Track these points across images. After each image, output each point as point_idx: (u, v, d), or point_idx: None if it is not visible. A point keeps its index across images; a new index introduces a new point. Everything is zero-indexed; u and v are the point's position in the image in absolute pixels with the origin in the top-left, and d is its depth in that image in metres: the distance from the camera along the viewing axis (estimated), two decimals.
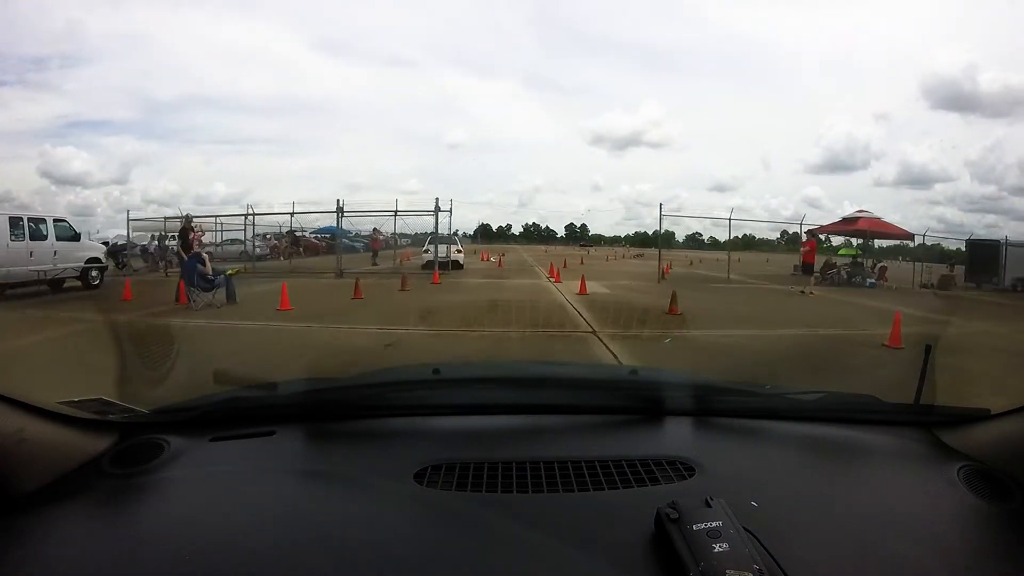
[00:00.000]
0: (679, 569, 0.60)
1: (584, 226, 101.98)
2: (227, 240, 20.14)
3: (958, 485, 0.85)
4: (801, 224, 16.98)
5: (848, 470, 0.95)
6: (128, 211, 16.45)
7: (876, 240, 18.25)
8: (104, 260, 11.99)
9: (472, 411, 1.11)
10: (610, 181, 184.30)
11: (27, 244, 10.00)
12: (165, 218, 16.96)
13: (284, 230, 20.00)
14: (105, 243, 14.37)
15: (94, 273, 11.36)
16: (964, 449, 0.95)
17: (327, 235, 20.58)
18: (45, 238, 10.40)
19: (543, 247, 58.55)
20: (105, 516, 0.77)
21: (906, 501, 0.83)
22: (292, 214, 16.93)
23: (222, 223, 18.72)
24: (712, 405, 1.13)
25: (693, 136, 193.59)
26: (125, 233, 16.77)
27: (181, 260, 9.38)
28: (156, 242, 17.69)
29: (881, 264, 16.78)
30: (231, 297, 8.51)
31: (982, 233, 18.25)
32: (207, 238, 19.85)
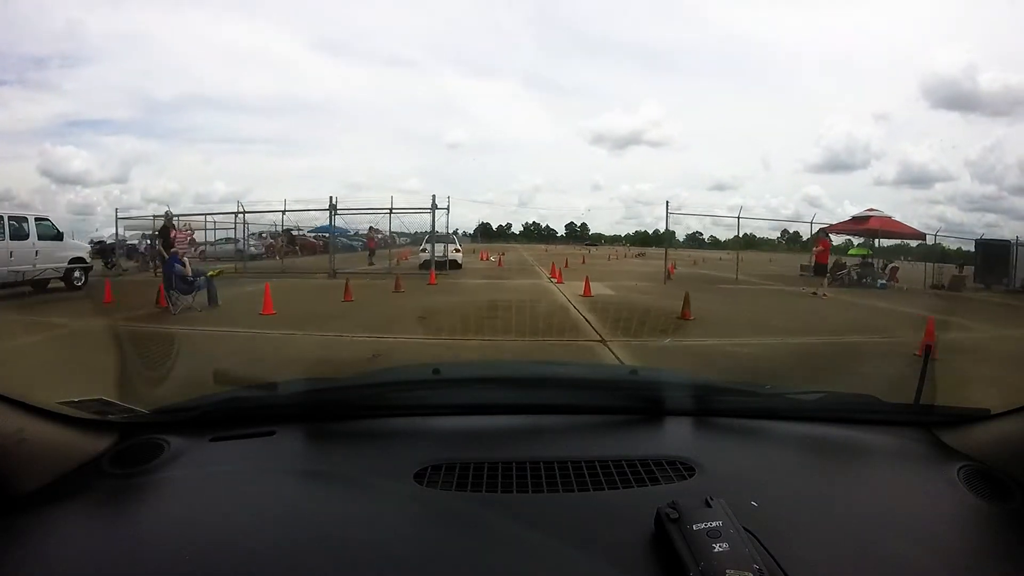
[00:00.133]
0: (679, 569, 0.60)
1: (584, 225, 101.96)
2: (221, 239, 19.51)
3: (958, 485, 0.84)
4: (812, 223, 16.48)
5: (848, 470, 0.96)
6: (116, 209, 16.06)
7: (877, 239, 17.95)
8: (88, 260, 11.72)
9: (472, 411, 1.11)
10: (610, 180, 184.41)
11: (7, 244, 9.76)
12: (154, 216, 16.43)
13: (281, 229, 19.40)
14: (100, 242, 13.87)
15: (77, 274, 11.10)
16: (964, 449, 0.95)
17: (325, 234, 19.97)
18: (26, 237, 10.12)
19: (543, 246, 57.92)
20: (105, 516, 0.77)
21: (906, 501, 0.84)
22: (283, 212, 16.50)
23: (215, 222, 18.04)
24: (712, 405, 1.13)
25: (693, 135, 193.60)
26: (129, 231, 16.16)
27: (162, 260, 8.80)
28: (148, 241, 17.12)
29: (892, 265, 16.35)
30: (212, 300, 8.19)
31: (983, 233, 18.12)
32: (199, 237, 19.32)
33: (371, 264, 17.52)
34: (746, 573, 0.57)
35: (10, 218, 9.88)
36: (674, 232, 16.77)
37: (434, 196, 14.83)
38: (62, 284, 10.60)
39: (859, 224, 17.40)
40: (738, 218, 16.99)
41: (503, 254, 26.66)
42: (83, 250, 11.65)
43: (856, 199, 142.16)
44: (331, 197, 14.97)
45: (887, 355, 5.68)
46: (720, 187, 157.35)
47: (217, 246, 20.00)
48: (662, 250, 16.35)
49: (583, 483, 0.82)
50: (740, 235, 17.71)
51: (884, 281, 14.91)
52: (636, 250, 48.67)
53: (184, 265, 8.11)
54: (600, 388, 1.28)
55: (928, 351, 1.20)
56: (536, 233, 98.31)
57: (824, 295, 11.64)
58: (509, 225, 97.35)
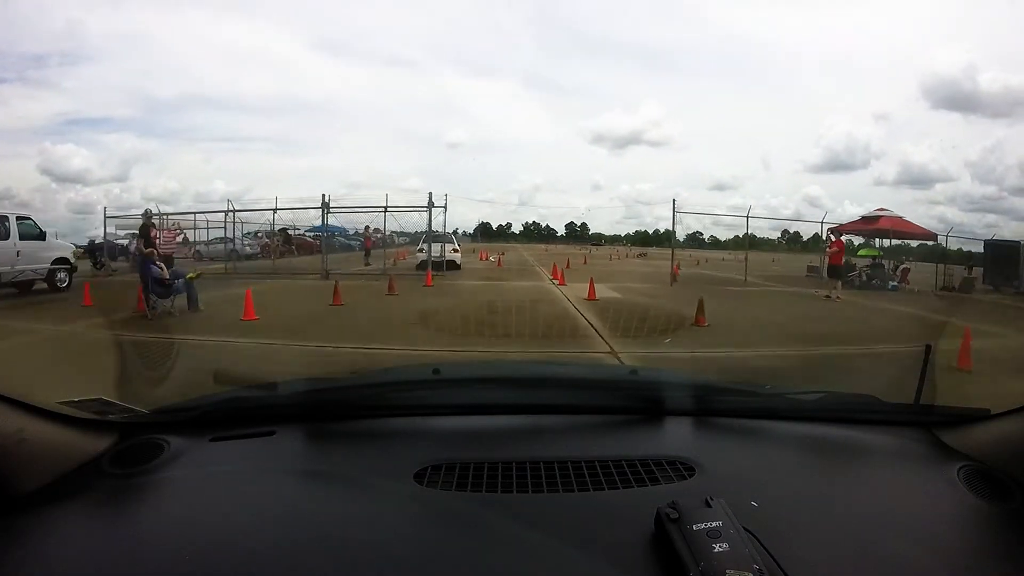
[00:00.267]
0: (679, 569, 0.60)
1: (584, 225, 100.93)
2: (215, 239, 18.92)
3: (958, 485, 0.85)
4: (822, 223, 15.93)
5: (848, 470, 0.97)
6: (104, 208, 15.46)
7: (878, 239, 17.73)
8: (73, 261, 11.40)
9: (472, 411, 1.11)
10: (610, 180, 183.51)
11: None
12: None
13: (275, 228, 18.80)
14: (90, 242, 13.35)
15: (61, 275, 10.74)
16: (964, 449, 0.96)
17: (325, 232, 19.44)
18: (7, 237, 9.74)
19: (543, 246, 57.32)
20: (105, 516, 0.78)
21: (906, 501, 0.84)
22: (275, 210, 15.93)
23: (207, 220, 17.45)
24: (712, 405, 1.13)
25: (693, 135, 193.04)
26: (123, 231, 15.59)
27: (142, 262, 8.23)
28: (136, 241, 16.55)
29: (904, 266, 15.96)
30: (193, 304, 7.75)
31: (993, 233, 18.10)
32: (193, 236, 18.74)
33: (367, 264, 17.09)
34: (746, 573, 0.58)
35: None
36: (673, 232, 16.15)
37: (431, 194, 14.48)
38: (45, 286, 10.24)
39: (869, 224, 17.16)
40: (747, 217, 16.71)
41: (503, 254, 26.37)
42: (67, 250, 11.33)
43: (856, 199, 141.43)
44: (323, 195, 14.69)
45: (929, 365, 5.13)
46: (720, 187, 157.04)
47: (210, 246, 19.37)
48: (663, 250, 15.83)
49: (583, 483, 0.82)
50: (736, 236, 17.36)
51: (895, 283, 14.65)
52: (637, 250, 48.11)
53: (160, 267, 7.73)
54: (600, 388, 1.28)
55: (928, 351, 1.18)
56: (536, 233, 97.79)
57: (838, 297, 11.35)
58: (509, 225, 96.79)
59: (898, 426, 1.08)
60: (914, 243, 17.22)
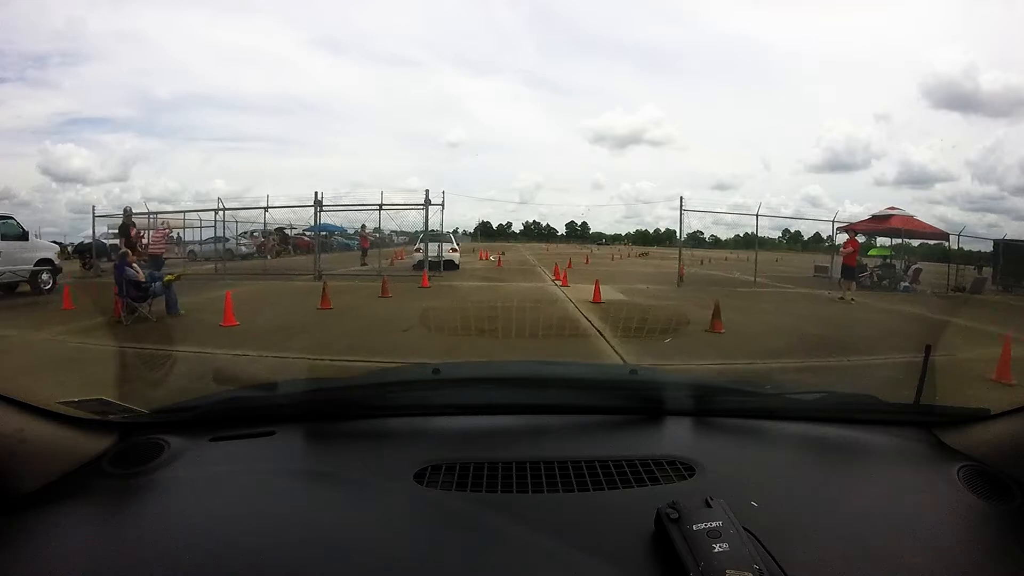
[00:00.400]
0: (679, 569, 0.60)
1: (585, 224, 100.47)
2: (208, 239, 18.38)
3: (958, 485, 0.86)
4: (833, 222, 15.42)
5: (848, 470, 0.97)
6: (94, 207, 15.00)
7: (879, 238, 17.61)
8: (57, 261, 11.09)
9: (472, 411, 1.12)
10: (611, 179, 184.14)
11: None
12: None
13: (269, 227, 18.27)
14: (80, 242, 12.84)
15: (44, 276, 10.46)
16: (964, 449, 0.97)
17: (322, 232, 18.90)
18: None
19: (544, 245, 56.80)
20: (105, 516, 0.78)
21: (906, 501, 0.84)
22: (266, 209, 15.44)
23: (200, 219, 16.96)
24: (712, 405, 1.14)
25: (694, 135, 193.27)
26: (113, 230, 15.05)
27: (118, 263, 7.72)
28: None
29: (916, 266, 15.54)
30: (172, 307, 7.35)
31: (1005, 233, 17.34)
32: (187, 236, 18.20)
33: (364, 264, 16.71)
34: (746, 573, 0.58)
35: None
36: (674, 232, 15.80)
37: (427, 191, 14.10)
38: (28, 288, 9.97)
39: (880, 223, 16.93)
40: (756, 215, 16.38)
41: (503, 253, 26.19)
42: (51, 251, 11.08)
43: (857, 199, 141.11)
44: (316, 193, 14.42)
45: (965, 377, 4.81)
46: (721, 186, 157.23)
47: (204, 245, 18.85)
48: (664, 249, 15.37)
49: (583, 483, 0.83)
50: (736, 235, 16.96)
51: (907, 284, 14.39)
52: (639, 249, 47.62)
53: (136, 269, 7.33)
54: (600, 388, 1.28)
55: (928, 351, 1.15)
56: (536, 232, 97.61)
57: (852, 299, 11.10)
58: (509, 224, 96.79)
59: (898, 426, 1.08)
60: (915, 243, 16.94)
